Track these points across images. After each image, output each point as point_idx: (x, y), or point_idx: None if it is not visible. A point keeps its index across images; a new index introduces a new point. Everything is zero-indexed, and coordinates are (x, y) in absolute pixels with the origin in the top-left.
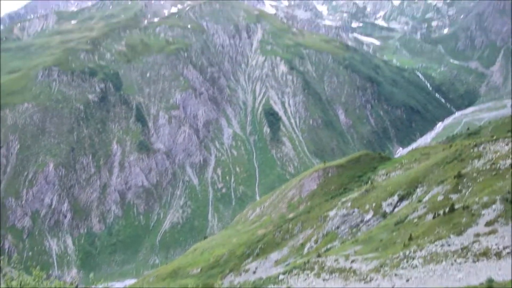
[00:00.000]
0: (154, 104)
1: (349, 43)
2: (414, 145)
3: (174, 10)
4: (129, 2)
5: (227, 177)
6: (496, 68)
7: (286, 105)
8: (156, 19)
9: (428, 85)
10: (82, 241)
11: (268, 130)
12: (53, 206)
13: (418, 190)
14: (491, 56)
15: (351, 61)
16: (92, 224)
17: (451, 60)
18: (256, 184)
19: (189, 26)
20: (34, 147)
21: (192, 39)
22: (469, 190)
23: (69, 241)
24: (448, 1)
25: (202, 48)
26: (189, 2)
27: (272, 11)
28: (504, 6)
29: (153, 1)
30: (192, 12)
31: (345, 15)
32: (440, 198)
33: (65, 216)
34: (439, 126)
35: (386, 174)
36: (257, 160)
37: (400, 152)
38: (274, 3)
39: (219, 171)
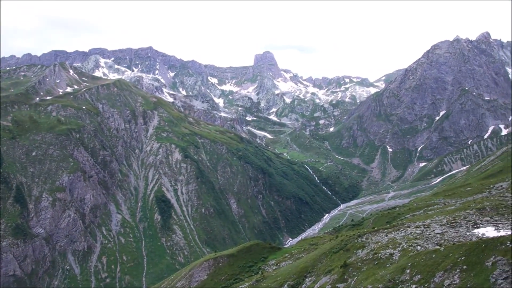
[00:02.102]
0: (38, 185)
1: (243, 135)
2: (303, 235)
3: (69, 90)
4: (21, 77)
5: (113, 266)
6: (375, 165)
7: (179, 192)
8: (49, 97)
9: (316, 178)
10: None
11: (159, 217)
12: None
13: (307, 279)
14: (371, 154)
15: (245, 152)
16: None
17: (337, 156)
18: (144, 274)
19: (84, 107)
20: None
21: (86, 121)
22: (354, 279)
23: None
24: (333, 102)
25: (96, 130)
26: (86, 84)
27: (169, 99)
28: (380, 111)
29: (47, 79)
30: (88, 93)
31: (240, 108)
32: (328, 287)
33: None
34: (326, 217)
35: (277, 264)
36: (146, 249)
37: (290, 242)
38: (172, 92)
39: (104, 260)
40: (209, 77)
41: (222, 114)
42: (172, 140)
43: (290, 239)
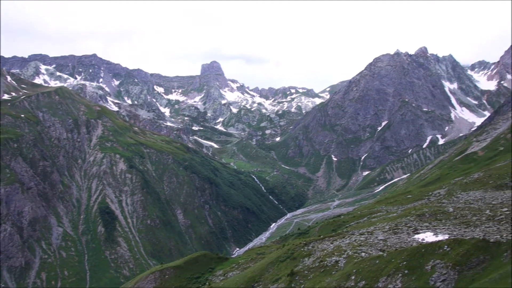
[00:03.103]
0: None
1: (190, 145)
2: (250, 245)
3: (6, 97)
4: None
5: (53, 282)
6: (321, 174)
7: (124, 204)
8: None
9: (263, 187)
10: None
11: (103, 229)
12: None
13: None
14: (316, 163)
15: (191, 162)
16: None
17: (283, 165)
18: None
19: (22, 116)
20: None
21: (24, 130)
22: (301, 287)
23: None
24: (280, 113)
25: (36, 140)
26: (25, 91)
27: (114, 108)
28: (325, 121)
29: None
30: (27, 101)
31: (186, 118)
32: None
33: None
34: (273, 226)
35: (224, 275)
36: (89, 262)
37: (237, 252)
38: (117, 101)
39: (43, 276)
40: (155, 86)
41: (169, 123)
42: (116, 150)
43: (237, 249)
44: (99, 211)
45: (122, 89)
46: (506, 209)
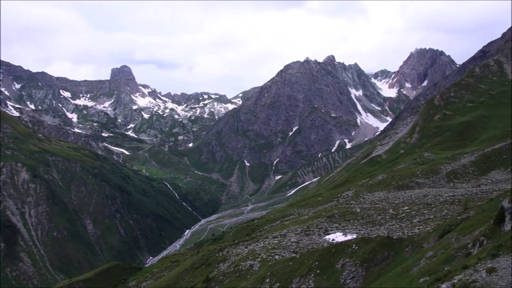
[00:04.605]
0: None
1: (99, 152)
2: (164, 253)
3: None
4: None
5: None
6: (234, 179)
7: (27, 216)
8: None
9: (176, 194)
10: None
11: (3, 245)
12: None
13: None
14: (229, 168)
15: (101, 170)
16: None
17: (196, 171)
18: None
19: None
20: None
21: None
22: None
23: None
24: (192, 118)
25: None
26: None
27: (15, 113)
28: (237, 127)
29: None
30: None
31: (95, 124)
32: None
33: None
34: (187, 233)
35: (137, 285)
36: None
37: (151, 261)
38: (18, 105)
39: None
40: (61, 91)
41: (76, 130)
42: (18, 159)
43: (151, 258)
44: None
45: (24, 93)
46: (407, 207)
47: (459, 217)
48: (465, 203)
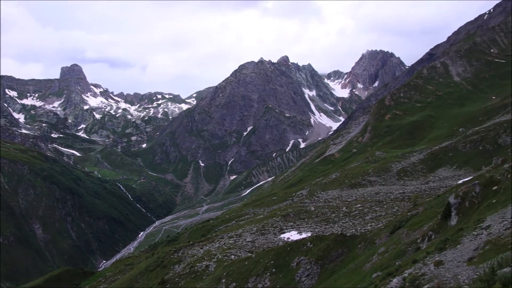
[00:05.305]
0: None
1: (49, 153)
2: (118, 256)
3: None
4: None
5: None
6: (189, 179)
7: None
8: None
9: (129, 196)
10: None
11: None
12: None
13: None
14: (184, 169)
15: (50, 172)
16: None
17: (150, 172)
18: None
19: None
20: None
21: None
22: None
23: None
24: (146, 119)
25: None
26: None
27: None
28: (192, 127)
29: None
30: None
31: (44, 125)
32: None
33: None
34: (141, 235)
35: None
36: None
37: (104, 264)
38: None
39: None
40: (7, 90)
41: (24, 131)
42: None
43: (104, 261)
44: None
45: None
46: (359, 205)
47: (409, 213)
48: (414, 199)
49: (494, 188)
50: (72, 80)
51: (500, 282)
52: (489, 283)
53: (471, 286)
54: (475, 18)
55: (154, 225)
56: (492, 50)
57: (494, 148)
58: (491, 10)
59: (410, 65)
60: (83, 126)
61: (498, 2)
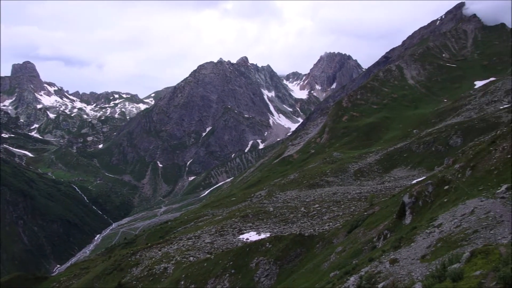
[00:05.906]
0: None
1: None
2: (73, 260)
3: None
4: None
5: None
6: (146, 181)
7: None
8: None
9: (85, 197)
10: None
11: None
12: None
13: None
14: (142, 170)
15: (1, 174)
16: None
17: (107, 173)
18: None
19: None
20: None
21: None
22: None
23: None
24: (102, 119)
25: None
26: None
27: None
28: (150, 127)
29: None
30: None
31: None
32: None
33: None
34: (98, 238)
35: None
36: None
37: (59, 269)
38: None
39: None
40: None
41: None
42: None
43: (59, 266)
44: None
45: None
46: (317, 205)
47: (365, 213)
48: (370, 199)
49: (446, 187)
50: (24, 78)
51: (450, 277)
52: (440, 279)
53: (423, 282)
54: (428, 24)
55: (111, 228)
56: (444, 55)
57: (445, 149)
58: (443, 17)
59: (367, 67)
60: (36, 125)
61: (449, 9)
